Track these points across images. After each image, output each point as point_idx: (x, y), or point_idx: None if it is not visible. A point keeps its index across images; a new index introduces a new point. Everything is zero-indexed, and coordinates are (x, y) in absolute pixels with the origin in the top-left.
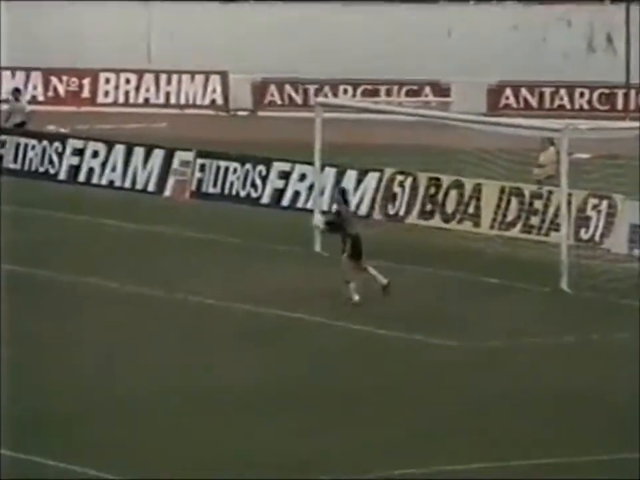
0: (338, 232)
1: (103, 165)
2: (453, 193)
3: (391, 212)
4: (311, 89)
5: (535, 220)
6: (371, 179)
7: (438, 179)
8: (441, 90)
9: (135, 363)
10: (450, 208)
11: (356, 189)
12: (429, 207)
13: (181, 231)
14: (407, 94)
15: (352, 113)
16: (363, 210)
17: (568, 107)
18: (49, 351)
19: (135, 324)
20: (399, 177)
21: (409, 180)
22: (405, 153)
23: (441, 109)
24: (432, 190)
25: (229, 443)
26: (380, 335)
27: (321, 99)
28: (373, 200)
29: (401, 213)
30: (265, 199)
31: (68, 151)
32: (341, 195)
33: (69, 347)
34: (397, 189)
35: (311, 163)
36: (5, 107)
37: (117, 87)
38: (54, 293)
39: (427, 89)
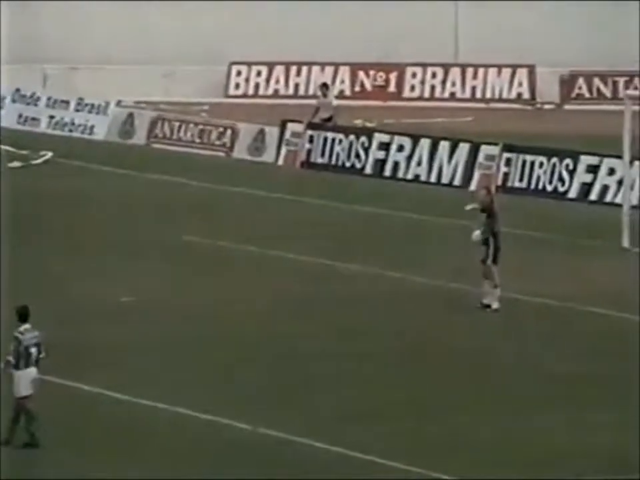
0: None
1: (409, 159)
2: None
3: None
4: (621, 81)
5: None
6: None
7: None
8: None
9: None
10: None
11: None
12: None
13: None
14: None
15: None
16: None
17: None
18: None
19: (435, 314)
20: None
21: None
22: None
23: None
24: None
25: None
26: None
27: (630, 92)
28: None
29: None
30: (572, 193)
31: (374, 145)
32: None
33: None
34: None
35: (620, 157)
36: (314, 101)
37: (422, 82)
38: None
39: None
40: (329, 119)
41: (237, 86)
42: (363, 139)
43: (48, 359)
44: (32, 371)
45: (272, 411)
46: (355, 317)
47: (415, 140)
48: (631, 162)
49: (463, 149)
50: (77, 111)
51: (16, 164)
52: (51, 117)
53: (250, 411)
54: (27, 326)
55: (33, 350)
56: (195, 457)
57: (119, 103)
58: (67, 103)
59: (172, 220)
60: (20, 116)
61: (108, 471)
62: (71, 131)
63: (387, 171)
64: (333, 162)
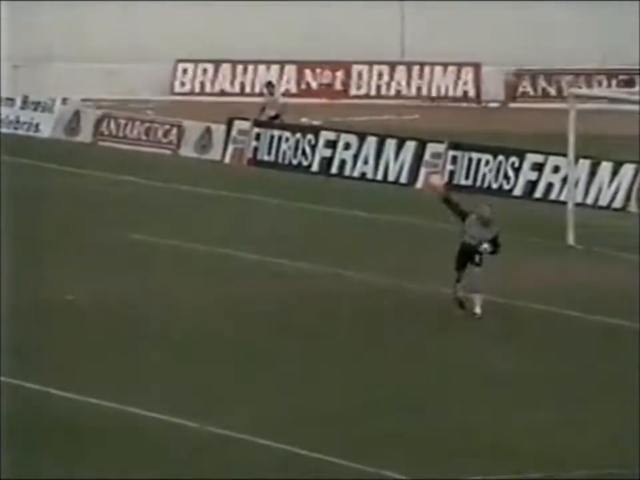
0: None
1: (355, 157)
2: None
3: None
4: (565, 80)
5: None
6: (627, 170)
7: None
8: None
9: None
10: None
11: (611, 181)
12: None
13: (431, 222)
14: None
15: (607, 103)
16: (618, 202)
17: None
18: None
19: (375, 317)
20: None
21: None
22: None
23: None
24: None
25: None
26: (633, 329)
27: (574, 90)
28: (629, 192)
29: None
30: (518, 191)
31: (321, 143)
32: None
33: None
34: None
35: (564, 155)
36: (260, 99)
37: (369, 80)
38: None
39: None
40: (276, 117)
41: (183, 84)
42: (310, 136)
43: None
44: None
45: (221, 409)
46: (305, 317)
47: (362, 138)
48: (576, 160)
49: (409, 146)
50: (22, 108)
51: None
52: None
53: (199, 409)
54: None
55: None
56: (141, 456)
57: (64, 101)
58: (12, 100)
59: (119, 218)
60: None
61: (53, 470)
62: (16, 128)
63: (334, 169)
64: (280, 160)
